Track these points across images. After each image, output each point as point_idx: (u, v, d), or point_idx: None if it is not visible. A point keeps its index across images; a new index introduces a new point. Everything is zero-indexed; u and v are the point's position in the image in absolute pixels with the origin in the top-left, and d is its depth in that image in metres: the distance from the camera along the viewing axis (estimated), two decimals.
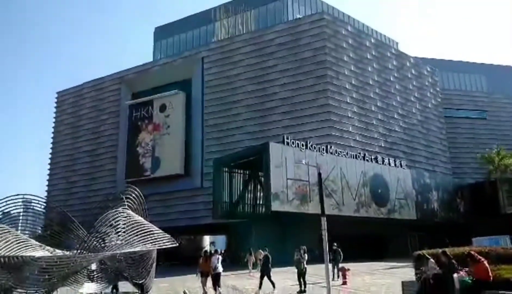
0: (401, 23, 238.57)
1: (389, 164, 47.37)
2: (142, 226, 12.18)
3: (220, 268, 15.78)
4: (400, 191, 47.45)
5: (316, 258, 27.19)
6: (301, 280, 15.08)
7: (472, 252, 9.64)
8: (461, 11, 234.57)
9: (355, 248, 40.66)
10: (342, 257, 18.80)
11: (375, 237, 44.77)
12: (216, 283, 15.46)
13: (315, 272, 18.02)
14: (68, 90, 71.90)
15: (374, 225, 44.02)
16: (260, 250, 34.39)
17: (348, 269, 18.26)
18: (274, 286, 15.66)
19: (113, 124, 64.68)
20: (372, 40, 59.90)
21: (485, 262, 9.15)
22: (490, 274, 8.88)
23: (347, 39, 54.52)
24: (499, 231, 18.87)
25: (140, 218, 12.69)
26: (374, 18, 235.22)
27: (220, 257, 17.12)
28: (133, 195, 13.25)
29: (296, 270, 15.50)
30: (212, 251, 21.33)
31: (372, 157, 46.30)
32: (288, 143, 38.01)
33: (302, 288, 15.04)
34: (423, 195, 51.19)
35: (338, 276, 17.43)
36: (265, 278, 16.06)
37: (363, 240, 42.03)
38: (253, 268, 30.79)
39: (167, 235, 12.41)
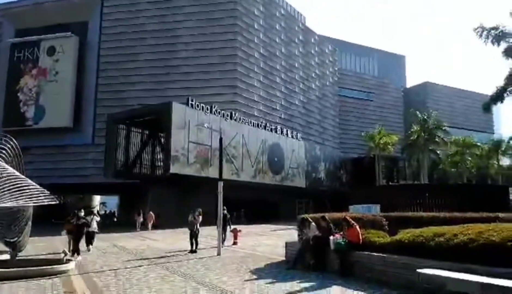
0: None
1: (287, 135, 49.86)
2: (16, 180, 10.77)
3: (94, 227, 16.51)
4: (294, 161, 50.54)
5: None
6: (193, 240, 15.25)
7: (347, 217, 10.76)
8: None
9: (250, 211, 42.78)
10: (230, 221, 19.04)
11: (269, 202, 47.36)
12: (88, 241, 16.03)
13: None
14: None
15: (269, 191, 46.47)
16: (151, 212, 34.01)
17: (240, 230, 19.08)
18: (192, 247, 15.32)
19: None
20: (282, 11, 60.84)
21: (357, 227, 10.30)
22: (360, 237, 10.04)
23: (258, 6, 54.44)
24: (374, 201, 21.59)
25: (14, 171, 11.18)
26: None
27: (96, 217, 17.61)
28: (8, 145, 11.54)
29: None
30: (100, 212, 20.56)
31: (273, 127, 48.15)
32: (192, 105, 37.06)
33: (193, 248, 15.23)
34: (313, 166, 55.36)
35: (224, 240, 17.24)
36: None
37: (258, 204, 44.16)
38: (141, 229, 30.43)
39: (45, 192, 11.20)
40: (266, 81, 53.73)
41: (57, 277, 10.05)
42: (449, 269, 7.23)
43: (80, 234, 14.98)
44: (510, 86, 8.79)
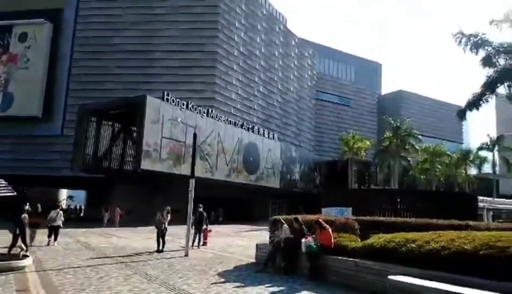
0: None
1: (264, 135, 49.65)
2: None
3: (58, 222, 16.66)
4: (269, 161, 50.37)
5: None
6: (160, 239, 14.69)
7: (320, 220, 10.55)
8: (346, 4, 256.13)
9: (224, 211, 42.27)
10: (207, 220, 17.31)
11: (243, 201, 46.99)
12: (50, 235, 16.26)
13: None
14: None
15: (243, 191, 46.11)
16: (118, 208, 33.01)
17: (210, 231, 18.60)
18: (159, 247, 14.61)
19: None
20: (264, 11, 60.78)
21: (330, 230, 10.11)
22: (332, 241, 9.86)
23: (240, 4, 54.08)
24: (346, 204, 21.69)
25: None
26: None
27: (61, 212, 17.67)
28: None
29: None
30: (67, 207, 20.02)
31: (250, 126, 47.83)
32: (168, 100, 36.17)
33: (160, 248, 14.66)
34: (288, 167, 55.38)
35: (199, 241, 16.64)
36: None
37: (232, 204, 43.70)
38: (106, 225, 29.55)
39: (2, 182, 10.43)
40: (244, 80, 53.42)
41: (12, 273, 9.37)
42: (420, 277, 7.10)
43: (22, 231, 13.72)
44: (487, 94, 8.81)
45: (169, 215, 15.23)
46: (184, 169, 35.90)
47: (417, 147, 53.94)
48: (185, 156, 36.47)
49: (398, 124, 54.00)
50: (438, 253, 7.41)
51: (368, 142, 56.34)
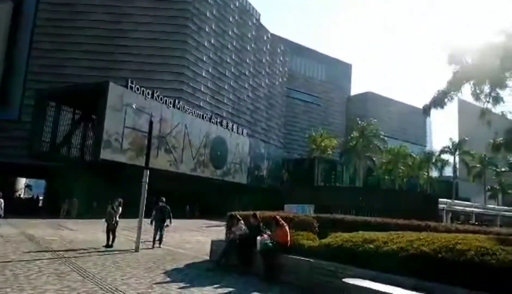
0: None
1: (232, 129, 48.94)
2: None
3: None
4: (237, 157, 49.77)
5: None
6: (110, 234, 13.70)
7: (277, 217, 9.98)
8: (321, 4, 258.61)
9: (187, 205, 41.09)
10: (170, 215, 14.54)
11: (209, 196, 46.00)
12: None
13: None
14: None
15: (209, 185, 45.18)
16: (75, 199, 31.35)
17: (167, 226, 17.71)
18: (108, 242, 13.49)
19: None
20: (237, 4, 59.73)
21: (286, 227, 9.56)
22: (288, 238, 9.33)
23: None
24: (311, 201, 21.52)
25: None
26: None
27: (1, 200, 17.02)
28: None
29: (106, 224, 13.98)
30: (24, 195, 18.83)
31: (218, 120, 46.91)
32: (132, 88, 34.72)
33: (110, 243, 13.67)
34: (256, 163, 55.03)
35: (160, 239, 14.18)
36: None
37: (196, 198, 42.67)
38: (64, 217, 28.06)
39: None
40: (215, 73, 52.35)
41: None
42: (377, 280, 6.65)
43: None
44: (452, 91, 8.56)
45: (120, 208, 14.21)
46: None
47: (382, 148, 54.95)
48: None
49: (365, 124, 54.75)
50: (396, 255, 6.99)
51: (335, 141, 56.87)
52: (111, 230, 13.83)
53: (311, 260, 8.39)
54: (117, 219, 14.03)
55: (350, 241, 8.17)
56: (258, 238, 9.45)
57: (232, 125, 49.22)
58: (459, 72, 8.58)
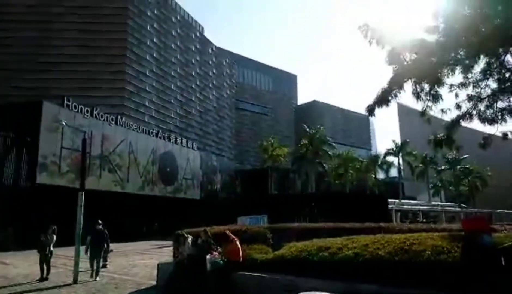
0: (208, 9, 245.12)
1: (181, 144, 47.50)
2: None
3: None
4: (188, 172, 48.28)
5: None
6: (44, 265, 12.23)
7: (227, 232, 9.32)
8: (265, 16, 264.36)
9: (138, 226, 38.96)
10: (108, 240, 13.50)
11: (164, 215, 44.05)
12: None
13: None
14: None
15: (159, 203, 43.28)
16: (10, 228, 28.52)
17: (111, 250, 16.34)
18: (42, 274, 12.02)
19: None
20: (178, 17, 58.90)
21: (237, 242, 8.87)
22: (240, 254, 8.71)
23: (152, 8, 51.60)
24: (265, 211, 21.13)
25: None
26: None
27: None
28: None
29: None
30: None
31: (166, 135, 45.35)
32: (69, 106, 32.48)
33: (44, 275, 12.19)
34: (209, 177, 53.80)
35: (97, 270, 12.32)
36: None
37: (146, 218, 40.63)
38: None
39: None
40: (159, 87, 50.89)
41: None
42: (334, 290, 6.22)
43: None
44: (395, 89, 8.53)
45: (54, 236, 12.77)
46: (90, 183, 32.33)
47: (330, 153, 56.27)
48: (90, 168, 32.99)
49: (314, 131, 55.83)
50: (352, 261, 6.66)
51: (286, 149, 57.39)
52: (44, 261, 12.36)
53: (265, 275, 7.83)
54: (51, 249, 12.58)
55: (305, 251, 7.75)
56: (208, 256, 8.74)
57: (181, 140, 47.86)
58: (399, 71, 8.55)
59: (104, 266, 15.20)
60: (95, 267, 12.36)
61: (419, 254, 5.88)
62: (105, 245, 13.46)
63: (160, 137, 43.51)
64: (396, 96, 8.65)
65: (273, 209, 18.94)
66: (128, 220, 36.38)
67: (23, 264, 17.24)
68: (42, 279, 12.10)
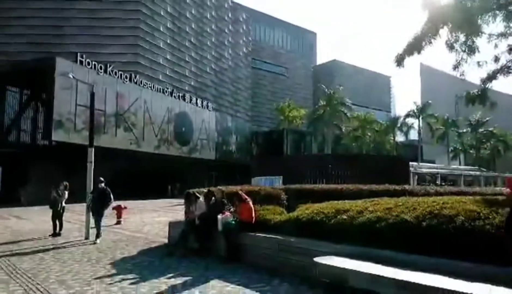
0: None
1: (196, 104, 46.94)
2: None
3: None
4: (204, 132, 48.03)
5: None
6: (56, 221, 12.22)
7: (240, 192, 8.83)
8: None
9: (153, 184, 39.50)
10: (111, 198, 11.46)
11: (174, 174, 44.42)
12: None
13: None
14: None
15: (174, 162, 43.56)
16: (27, 186, 29.25)
17: (125, 208, 16.33)
18: (55, 230, 11.95)
19: None
20: None
21: (250, 203, 8.44)
22: (253, 215, 8.28)
23: None
24: (280, 173, 20.77)
25: None
26: None
27: None
28: None
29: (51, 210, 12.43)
30: None
31: (181, 94, 44.74)
32: (82, 63, 32.04)
33: (57, 231, 12.21)
34: (224, 138, 53.55)
35: (98, 232, 10.99)
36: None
37: (162, 177, 41.04)
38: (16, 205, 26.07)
39: None
40: (174, 44, 49.62)
41: None
42: (354, 256, 5.72)
43: None
44: (429, 35, 7.55)
45: (66, 192, 12.64)
46: (104, 141, 32.59)
47: (348, 115, 54.91)
48: (105, 126, 33.04)
49: (332, 92, 54.26)
50: (374, 225, 6.09)
51: (303, 111, 56.23)
52: (57, 217, 12.32)
53: (278, 237, 7.39)
54: (63, 204, 12.50)
55: (321, 213, 7.22)
56: (219, 216, 8.34)
57: (196, 99, 47.23)
58: (435, 15, 7.53)
59: (119, 222, 15.24)
60: (97, 229, 11.13)
61: (451, 220, 5.25)
62: (108, 205, 11.76)
63: (174, 96, 42.97)
64: (430, 42, 7.70)
65: (288, 171, 18.46)
66: (152, 178, 36.68)
67: (38, 219, 17.51)
68: (55, 234, 12.12)
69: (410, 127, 59.72)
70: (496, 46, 9.46)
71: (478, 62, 9.44)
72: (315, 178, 17.13)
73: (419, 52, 7.81)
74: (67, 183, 12.85)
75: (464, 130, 63.21)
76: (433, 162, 56.98)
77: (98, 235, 11.02)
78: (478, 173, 49.10)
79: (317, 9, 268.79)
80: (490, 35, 9.41)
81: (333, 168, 16.71)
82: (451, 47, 8.89)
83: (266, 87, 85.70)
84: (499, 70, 9.63)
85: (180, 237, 9.11)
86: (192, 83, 53.50)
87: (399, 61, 7.94)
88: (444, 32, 8.06)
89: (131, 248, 9.83)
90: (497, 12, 8.43)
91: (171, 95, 42.40)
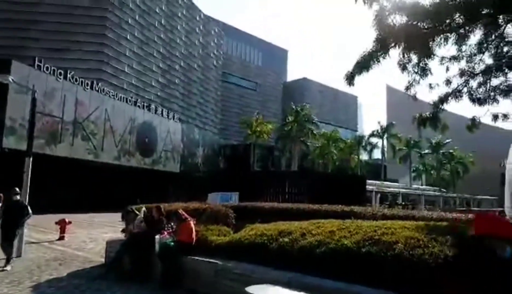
0: None
1: (162, 114, 45.91)
2: None
3: None
4: (169, 144, 46.92)
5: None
6: None
7: (179, 210, 8.33)
8: None
9: (110, 197, 37.81)
10: (29, 211, 9.58)
11: (135, 187, 42.83)
12: None
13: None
14: None
15: (137, 175, 42.02)
16: None
17: (69, 222, 15.23)
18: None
19: None
20: None
21: (191, 222, 7.86)
22: (193, 236, 7.73)
23: None
24: (240, 189, 20.33)
25: None
26: None
27: None
28: None
29: None
30: None
31: (146, 104, 43.62)
32: (40, 67, 30.58)
33: None
34: (190, 150, 52.57)
35: (9, 258, 9.01)
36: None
37: (120, 190, 39.36)
38: None
39: None
40: (141, 53, 48.60)
41: None
42: (290, 284, 5.27)
43: None
44: (379, 53, 7.47)
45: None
46: (61, 150, 31.07)
47: (315, 132, 55.50)
48: (62, 134, 31.48)
49: (299, 109, 54.73)
50: (313, 250, 5.70)
51: (270, 126, 56.31)
52: None
53: (217, 261, 6.84)
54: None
55: (264, 235, 6.78)
56: (157, 236, 7.71)
57: (162, 110, 46.20)
58: (386, 33, 7.39)
59: (62, 238, 14.16)
60: (7, 253, 9.04)
61: (390, 247, 4.93)
62: (23, 223, 9.87)
63: (139, 106, 41.81)
64: (379, 61, 7.55)
65: (249, 187, 18.03)
66: (111, 191, 35.11)
67: None
68: None
69: (374, 146, 61.06)
70: (447, 69, 9.51)
71: (430, 84, 9.45)
72: (275, 195, 16.78)
73: (367, 71, 7.66)
74: (18, 189, 11.58)
75: (426, 151, 65.32)
76: (397, 181, 58.32)
77: (8, 260, 8.99)
78: (438, 193, 50.62)
79: (291, 28, 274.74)
80: (442, 58, 9.47)
81: (291, 185, 16.41)
82: (403, 68, 8.84)
83: (236, 101, 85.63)
84: (450, 93, 9.68)
85: (114, 258, 8.38)
86: (159, 94, 52.45)
87: (349, 78, 7.77)
88: (395, 53, 7.96)
89: (62, 269, 8.96)
90: (448, 35, 8.45)
91: (135, 105, 41.22)
